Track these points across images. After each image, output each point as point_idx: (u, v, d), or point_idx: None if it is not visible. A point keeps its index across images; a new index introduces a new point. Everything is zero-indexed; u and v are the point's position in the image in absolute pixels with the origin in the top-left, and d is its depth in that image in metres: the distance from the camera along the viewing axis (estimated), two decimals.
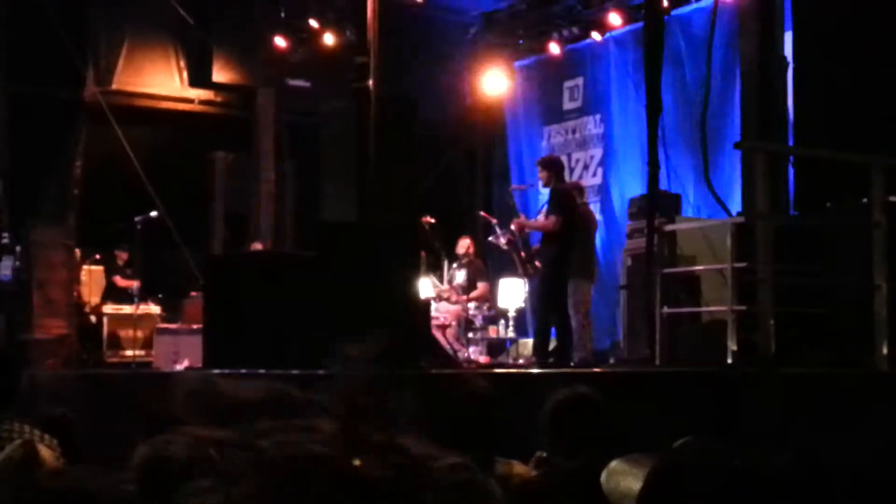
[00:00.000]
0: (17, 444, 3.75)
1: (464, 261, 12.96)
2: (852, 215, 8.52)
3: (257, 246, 14.61)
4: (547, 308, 10.47)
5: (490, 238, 12.62)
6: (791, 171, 10.50)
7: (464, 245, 13.07)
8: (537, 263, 11.21)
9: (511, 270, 12.36)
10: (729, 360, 8.53)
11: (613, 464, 2.51)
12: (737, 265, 8.68)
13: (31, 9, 14.12)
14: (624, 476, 2.40)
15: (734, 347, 8.57)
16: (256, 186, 16.49)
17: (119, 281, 14.33)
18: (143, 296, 13.85)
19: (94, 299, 14.13)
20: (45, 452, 3.63)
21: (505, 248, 11.82)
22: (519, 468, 4.42)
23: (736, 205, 11.21)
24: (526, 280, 12.34)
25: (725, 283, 8.92)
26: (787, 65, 10.88)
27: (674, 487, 1.41)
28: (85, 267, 14.10)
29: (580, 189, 12.21)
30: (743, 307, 8.52)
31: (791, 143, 10.73)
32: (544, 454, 4.40)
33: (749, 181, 9.81)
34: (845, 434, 5.31)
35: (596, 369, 9.19)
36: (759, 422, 6.37)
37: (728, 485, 1.34)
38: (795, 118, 10.85)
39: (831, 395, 6.59)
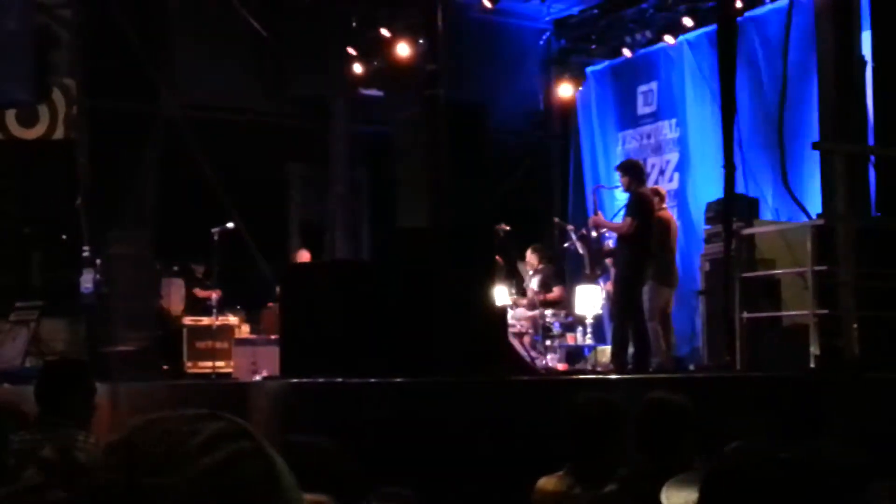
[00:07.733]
0: (50, 449, 3.70)
1: (537, 268, 12.87)
2: None
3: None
4: (622, 313, 10.37)
5: (566, 244, 12.52)
6: (872, 172, 10.28)
7: (529, 256, 12.95)
8: (609, 263, 11.12)
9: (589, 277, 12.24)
10: (812, 366, 8.36)
11: (671, 480, 2.48)
12: (817, 268, 8.51)
13: (109, 24, 14.31)
14: (681, 489, 2.36)
15: (817, 352, 8.39)
16: (331, 196, 16.59)
17: (199, 292, 14.46)
18: (222, 307, 13.97)
19: (174, 311, 14.27)
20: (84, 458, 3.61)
21: (577, 242, 11.73)
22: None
23: (815, 207, 11.01)
24: (602, 285, 12.23)
25: (806, 287, 8.75)
26: (865, 64, 10.66)
27: (728, 491, 1.39)
28: (164, 279, 14.25)
29: (660, 195, 12.05)
30: (825, 311, 8.35)
31: (871, 143, 10.50)
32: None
33: (828, 183, 9.63)
34: None
35: (676, 374, 9.08)
36: (844, 428, 6.24)
37: (780, 481, 1.31)
38: (875, 119, 10.62)
39: None
